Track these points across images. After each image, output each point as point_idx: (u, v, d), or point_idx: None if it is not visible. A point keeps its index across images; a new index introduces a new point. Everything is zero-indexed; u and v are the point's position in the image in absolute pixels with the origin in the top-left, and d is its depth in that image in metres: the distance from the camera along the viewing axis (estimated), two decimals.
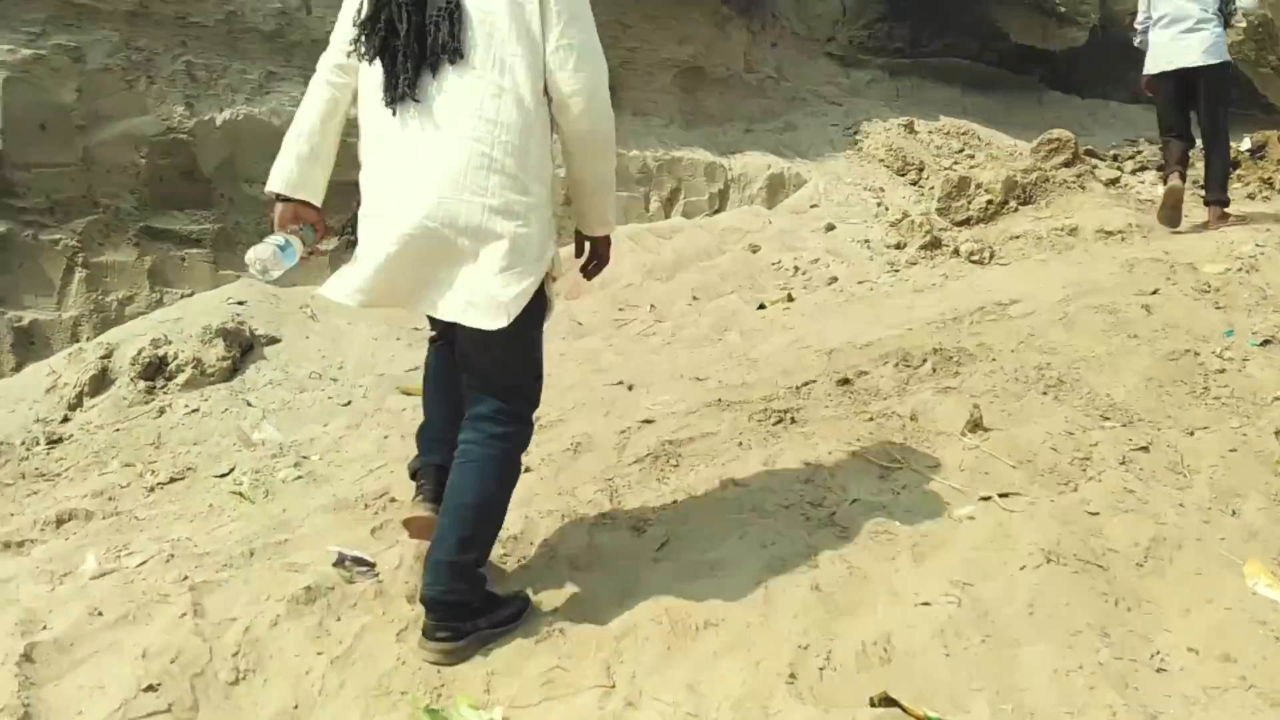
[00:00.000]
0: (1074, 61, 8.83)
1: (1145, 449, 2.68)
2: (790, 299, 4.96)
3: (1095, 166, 6.66)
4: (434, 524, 2.03)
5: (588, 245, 2.22)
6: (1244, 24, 5.48)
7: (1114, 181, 6.77)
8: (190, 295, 4.32)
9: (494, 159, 1.87)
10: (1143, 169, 7.66)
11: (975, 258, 5.14)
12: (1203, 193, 5.34)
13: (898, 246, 5.63)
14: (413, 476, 2.29)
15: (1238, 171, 7.28)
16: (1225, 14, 5.18)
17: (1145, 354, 3.28)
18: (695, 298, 5.15)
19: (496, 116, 1.88)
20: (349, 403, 3.78)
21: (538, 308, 2.00)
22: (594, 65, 1.97)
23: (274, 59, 4.78)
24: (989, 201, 6.00)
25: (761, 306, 4.91)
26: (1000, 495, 2.41)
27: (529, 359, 2.09)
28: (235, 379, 3.80)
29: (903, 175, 6.79)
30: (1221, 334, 3.48)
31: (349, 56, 1.98)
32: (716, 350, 4.24)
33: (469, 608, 1.99)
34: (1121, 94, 9.29)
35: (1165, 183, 5.22)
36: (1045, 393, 3.03)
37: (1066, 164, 6.48)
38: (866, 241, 5.70)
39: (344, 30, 2.00)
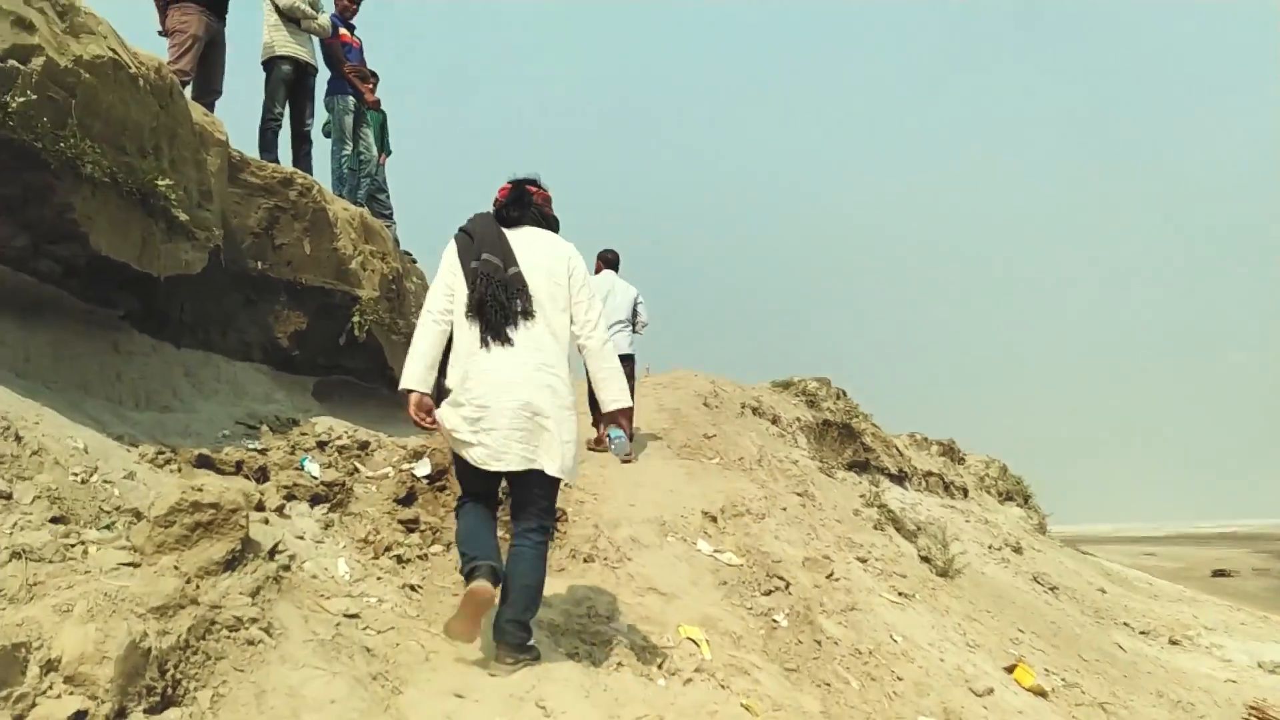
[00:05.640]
0: (174, 295, 5.74)
1: None
2: None
3: (291, 561, 3.64)
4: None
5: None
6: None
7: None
8: None
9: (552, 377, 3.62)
10: (291, 498, 4.98)
11: None
12: None
13: None
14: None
15: (416, 508, 5.29)
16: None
17: None
18: None
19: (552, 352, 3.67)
20: None
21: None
22: (599, 306, 3.87)
23: None
24: (81, 714, 2.40)
25: None
26: None
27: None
28: None
29: None
30: None
31: (451, 307, 3.69)
32: None
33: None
34: (229, 346, 6.55)
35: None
36: None
37: (229, 564, 3.31)
38: None
39: (443, 289, 3.69)
